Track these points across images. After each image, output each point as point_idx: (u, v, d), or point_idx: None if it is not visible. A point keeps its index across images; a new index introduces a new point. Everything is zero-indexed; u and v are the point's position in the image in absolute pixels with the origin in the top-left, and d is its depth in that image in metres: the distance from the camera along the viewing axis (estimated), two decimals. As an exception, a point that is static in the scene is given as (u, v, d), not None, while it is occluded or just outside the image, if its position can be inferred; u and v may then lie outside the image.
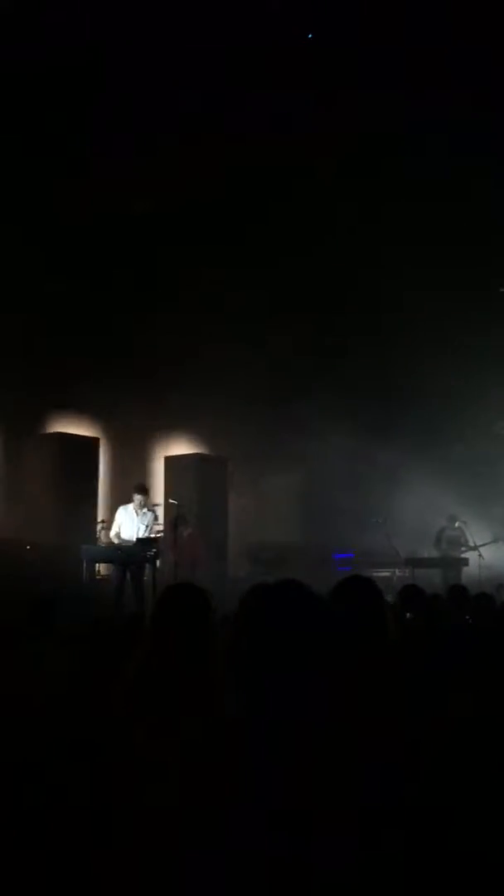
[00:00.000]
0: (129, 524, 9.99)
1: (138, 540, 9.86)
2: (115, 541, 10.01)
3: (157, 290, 13.36)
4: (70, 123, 11.06)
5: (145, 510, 10.10)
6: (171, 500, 12.09)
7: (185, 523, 11.12)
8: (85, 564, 9.86)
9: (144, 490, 10.26)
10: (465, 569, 12.38)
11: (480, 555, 12.63)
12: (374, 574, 12.70)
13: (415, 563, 12.78)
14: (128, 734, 2.04)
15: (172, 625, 2.46)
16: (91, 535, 11.47)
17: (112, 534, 10.15)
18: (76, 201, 11.30)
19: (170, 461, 14.38)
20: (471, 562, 12.53)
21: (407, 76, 10.95)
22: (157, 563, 9.97)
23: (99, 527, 11.69)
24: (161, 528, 11.40)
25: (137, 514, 10.01)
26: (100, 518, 12.04)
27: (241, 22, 10.39)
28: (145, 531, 9.96)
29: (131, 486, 10.56)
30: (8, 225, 11.13)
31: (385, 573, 12.85)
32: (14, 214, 11.11)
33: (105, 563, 10.85)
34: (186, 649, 2.35)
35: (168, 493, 13.14)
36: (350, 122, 11.57)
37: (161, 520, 11.81)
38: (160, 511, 12.11)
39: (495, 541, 13.25)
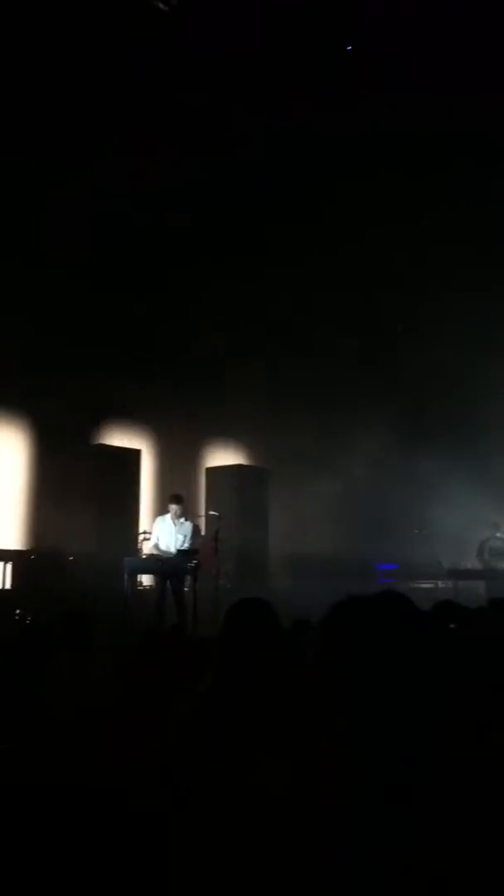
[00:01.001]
0: (166, 535, 9.98)
1: (178, 551, 9.85)
2: (154, 552, 10.01)
3: (199, 302, 13.39)
4: (104, 137, 11.15)
5: (182, 520, 10.08)
6: (211, 512, 12.08)
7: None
8: (126, 576, 9.88)
9: (180, 500, 10.22)
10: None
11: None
12: (417, 586, 12.60)
13: (457, 574, 12.60)
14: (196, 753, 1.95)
15: (241, 642, 2.36)
16: (133, 547, 11.49)
17: (150, 545, 10.15)
18: (118, 214, 11.37)
19: (211, 472, 14.39)
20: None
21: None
22: (199, 573, 9.94)
23: (140, 538, 11.70)
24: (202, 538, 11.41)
25: (175, 525, 10.00)
26: (141, 529, 12.07)
27: (269, 29, 10.41)
28: (184, 542, 9.94)
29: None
30: (51, 236, 11.24)
31: (428, 585, 12.70)
32: (56, 226, 11.20)
33: (146, 574, 10.86)
34: (257, 667, 2.25)
35: (209, 504, 13.13)
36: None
37: (203, 531, 11.82)
38: (201, 522, 12.11)
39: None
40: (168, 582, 9.69)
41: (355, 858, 1.46)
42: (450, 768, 1.56)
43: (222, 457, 14.93)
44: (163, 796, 1.80)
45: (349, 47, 11.43)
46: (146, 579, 11.36)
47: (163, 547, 9.93)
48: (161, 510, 11.12)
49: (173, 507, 10.04)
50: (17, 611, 8.31)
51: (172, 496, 10.31)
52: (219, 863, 1.59)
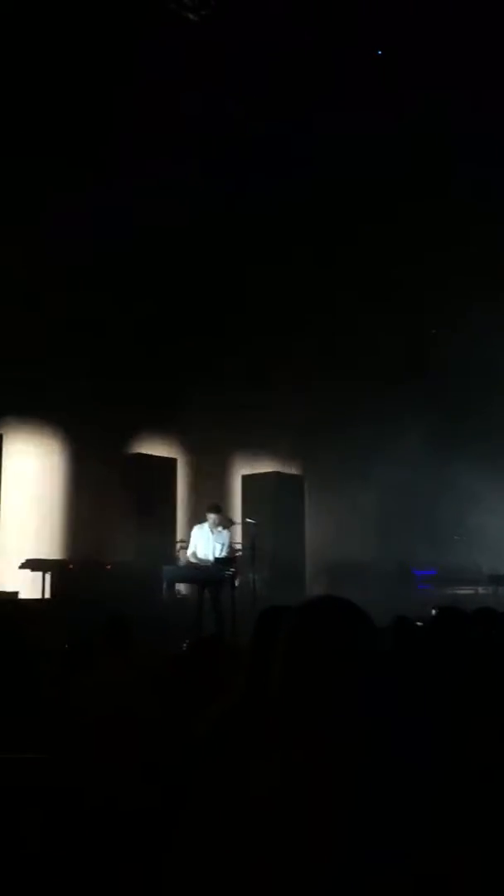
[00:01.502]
0: (204, 543, 10.02)
1: (216, 560, 9.87)
2: (192, 560, 10.05)
3: (235, 311, 13.44)
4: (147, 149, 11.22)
5: (220, 529, 10.11)
6: (248, 520, 12.09)
7: None
8: (165, 584, 9.91)
9: (218, 509, 10.27)
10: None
11: None
12: (456, 592, 12.50)
13: (498, 580, 12.48)
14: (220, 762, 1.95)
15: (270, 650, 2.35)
16: (170, 555, 11.54)
17: (188, 553, 10.19)
18: (156, 223, 11.43)
19: (247, 480, 14.41)
20: None
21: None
22: (236, 582, 9.96)
23: (178, 546, 11.75)
24: (239, 546, 11.42)
25: (213, 533, 10.03)
26: (179, 538, 12.11)
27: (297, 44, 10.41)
28: (221, 550, 9.97)
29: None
30: (88, 247, 11.35)
31: (467, 590, 12.59)
32: (99, 237, 11.30)
33: (184, 582, 10.90)
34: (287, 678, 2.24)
35: (246, 513, 13.14)
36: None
37: (240, 538, 11.84)
38: (237, 530, 12.13)
39: None
40: (206, 590, 9.72)
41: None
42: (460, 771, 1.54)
43: (258, 465, 14.94)
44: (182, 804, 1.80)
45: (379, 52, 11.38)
46: (184, 588, 11.39)
47: (201, 556, 9.97)
48: (197, 519, 11.15)
49: (211, 517, 10.08)
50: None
51: (211, 505, 10.34)
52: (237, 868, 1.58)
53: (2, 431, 11.27)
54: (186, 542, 10.70)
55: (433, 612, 2.67)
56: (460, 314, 13.87)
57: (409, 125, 11.40)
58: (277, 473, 14.53)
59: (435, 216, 12.80)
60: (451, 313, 14.18)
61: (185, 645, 6.31)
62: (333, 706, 1.55)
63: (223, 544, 10.02)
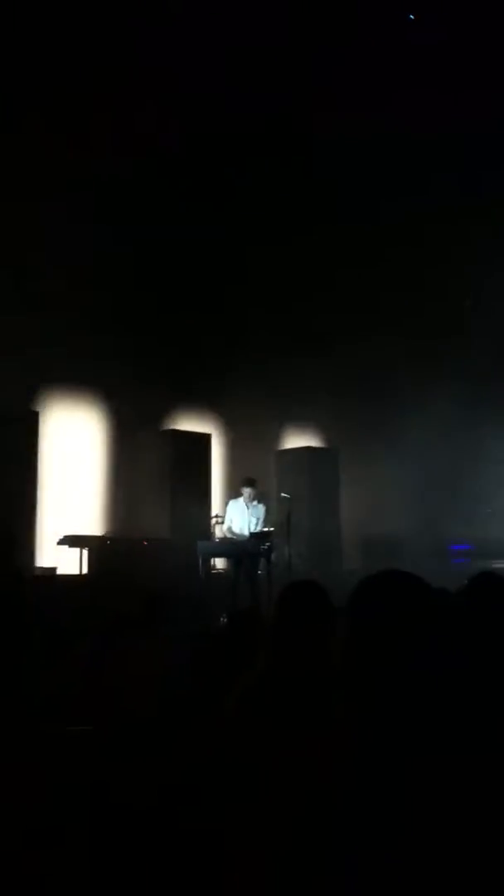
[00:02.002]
0: (239, 518, 10.05)
1: (251, 534, 9.89)
2: (228, 535, 10.08)
3: (270, 286, 13.37)
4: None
5: (255, 503, 10.12)
6: (282, 494, 12.08)
7: None
8: (200, 559, 9.95)
9: (252, 483, 10.27)
10: None
11: None
12: (493, 565, 12.41)
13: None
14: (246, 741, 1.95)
15: (293, 626, 2.36)
16: (205, 530, 11.58)
17: (224, 528, 10.22)
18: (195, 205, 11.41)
19: (281, 455, 14.39)
20: None
21: None
22: (272, 557, 9.97)
23: (213, 521, 11.78)
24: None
25: (248, 508, 10.05)
26: (213, 513, 12.15)
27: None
28: (257, 525, 9.99)
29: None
30: (130, 232, 11.35)
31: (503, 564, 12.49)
32: (138, 223, 11.30)
33: (220, 557, 10.94)
34: (309, 653, 2.24)
35: (280, 487, 13.14)
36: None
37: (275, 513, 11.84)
38: (272, 504, 12.13)
39: None
40: (242, 565, 9.75)
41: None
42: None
43: (292, 439, 14.91)
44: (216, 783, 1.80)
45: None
46: (219, 562, 11.43)
47: (236, 530, 10.01)
48: (232, 494, 11.17)
49: (247, 491, 10.10)
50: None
51: (246, 479, 10.36)
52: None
53: (38, 408, 11.35)
54: (221, 517, 10.73)
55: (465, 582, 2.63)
56: (485, 280, 13.71)
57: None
58: (312, 448, 14.50)
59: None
60: (478, 278, 14.01)
61: (223, 618, 6.33)
62: (403, 676, 1.55)
63: (259, 518, 10.04)
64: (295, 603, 2.47)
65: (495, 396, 14.36)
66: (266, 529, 10.12)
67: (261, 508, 10.15)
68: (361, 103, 11.34)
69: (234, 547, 9.88)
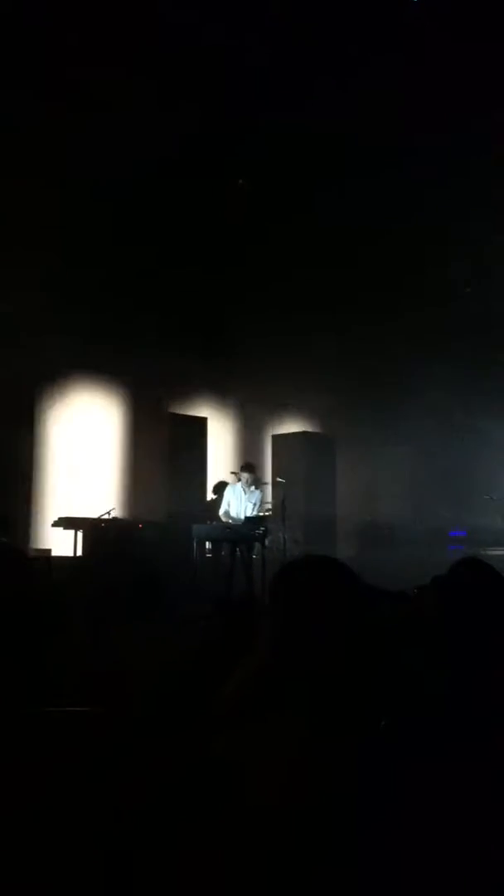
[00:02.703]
0: (236, 502, 10.09)
1: (247, 519, 9.92)
2: (224, 519, 10.11)
3: (267, 273, 13.32)
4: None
5: (252, 488, 10.16)
6: (278, 479, 12.11)
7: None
8: (195, 543, 9.98)
9: (251, 468, 10.31)
10: None
11: None
12: (488, 553, 12.47)
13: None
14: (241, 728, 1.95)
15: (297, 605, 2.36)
16: (200, 513, 11.61)
17: (221, 512, 10.25)
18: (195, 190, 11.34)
19: (277, 440, 14.41)
20: None
21: None
22: (267, 541, 10.01)
23: (212, 500, 11.81)
24: (269, 506, 11.46)
25: (245, 493, 10.08)
26: (209, 497, 12.17)
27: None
28: (253, 510, 10.03)
29: (239, 464, 10.66)
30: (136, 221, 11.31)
31: (499, 552, 12.54)
32: (142, 209, 11.26)
33: (215, 541, 10.97)
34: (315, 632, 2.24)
35: (276, 472, 13.16)
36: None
37: (269, 498, 11.86)
38: (268, 490, 12.15)
39: None
40: (237, 549, 9.78)
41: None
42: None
43: (288, 424, 14.92)
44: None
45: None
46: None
47: (233, 514, 10.05)
48: (228, 478, 11.21)
49: (245, 476, 10.13)
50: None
51: (245, 464, 10.41)
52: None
53: (35, 391, 11.36)
54: (217, 501, 10.77)
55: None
56: (484, 263, 13.68)
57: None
58: (307, 433, 14.52)
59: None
60: (476, 263, 13.98)
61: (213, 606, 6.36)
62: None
63: (255, 503, 10.08)
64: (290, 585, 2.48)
65: (493, 383, 14.37)
66: (262, 514, 10.17)
67: (257, 494, 10.19)
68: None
69: (229, 531, 9.91)
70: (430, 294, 14.69)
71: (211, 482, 12.84)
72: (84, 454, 12.23)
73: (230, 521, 10.02)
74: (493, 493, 13.28)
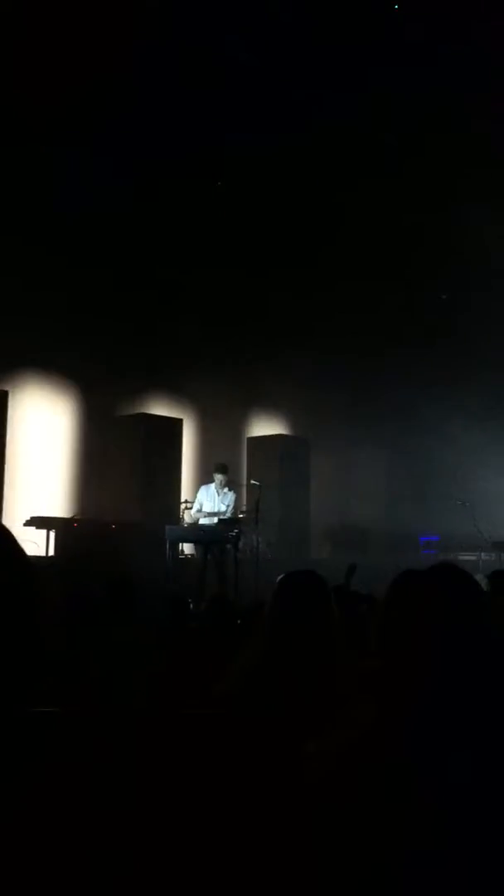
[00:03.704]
0: (209, 503, 10.09)
1: (220, 520, 9.92)
2: (196, 515, 10.14)
3: (241, 273, 13.33)
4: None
5: (226, 490, 10.17)
6: (252, 481, 12.12)
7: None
8: (168, 545, 9.97)
9: (225, 469, 10.31)
10: None
11: None
12: (459, 557, 12.55)
13: (501, 546, 12.54)
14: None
15: (294, 615, 2.36)
16: (174, 516, 11.60)
17: (193, 511, 10.26)
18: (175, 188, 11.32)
19: (252, 442, 14.42)
20: None
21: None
22: (240, 543, 10.02)
23: (182, 507, 11.80)
24: (245, 507, 11.47)
25: (218, 494, 10.08)
26: (183, 498, 12.16)
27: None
28: (227, 511, 10.03)
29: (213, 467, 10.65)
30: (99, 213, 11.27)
31: (470, 557, 12.64)
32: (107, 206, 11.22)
33: (188, 542, 10.96)
34: (311, 642, 2.25)
35: (251, 474, 13.17)
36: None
37: (244, 500, 11.88)
38: (242, 492, 12.17)
39: None
40: (209, 551, 9.78)
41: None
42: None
43: (264, 426, 14.94)
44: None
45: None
46: (188, 548, 11.46)
47: (206, 511, 10.06)
48: (203, 479, 11.20)
49: (219, 477, 10.14)
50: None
51: (219, 465, 10.40)
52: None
53: (8, 388, 11.26)
54: (191, 502, 10.77)
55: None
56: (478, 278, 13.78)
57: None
58: (283, 436, 14.54)
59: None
60: (453, 269, 14.08)
61: (191, 603, 6.36)
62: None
63: (228, 505, 10.09)
64: (294, 591, 2.49)
65: (468, 387, 14.46)
66: (236, 516, 10.18)
67: (231, 495, 10.20)
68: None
69: (203, 533, 9.91)
70: (408, 299, 14.79)
71: (185, 484, 12.83)
72: (57, 454, 12.17)
73: (203, 516, 10.05)
74: (463, 499, 13.33)
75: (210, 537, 9.78)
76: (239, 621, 4.25)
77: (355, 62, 10.85)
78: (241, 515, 10.67)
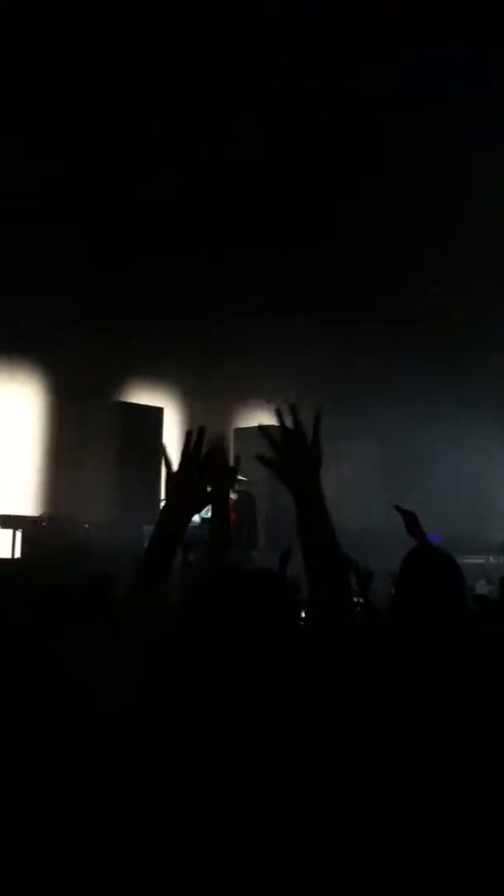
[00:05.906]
0: (194, 501, 10.03)
1: (203, 519, 9.85)
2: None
3: (229, 262, 13.31)
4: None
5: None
6: (239, 476, 12.05)
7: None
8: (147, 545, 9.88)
9: (211, 463, 10.25)
10: None
11: None
12: (465, 560, 12.54)
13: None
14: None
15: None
16: (154, 514, 11.50)
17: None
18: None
19: (240, 433, 14.35)
20: None
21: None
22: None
23: (162, 504, 11.72)
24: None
25: (203, 491, 10.03)
26: (163, 496, 12.08)
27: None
28: (209, 510, 9.96)
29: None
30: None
31: (478, 560, 12.65)
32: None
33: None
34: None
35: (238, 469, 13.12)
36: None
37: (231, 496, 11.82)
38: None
39: None
40: (191, 552, 9.71)
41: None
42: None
43: (252, 417, 14.89)
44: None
45: None
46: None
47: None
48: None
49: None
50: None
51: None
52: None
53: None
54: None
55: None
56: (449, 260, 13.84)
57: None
58: (274, 426, 14.48)
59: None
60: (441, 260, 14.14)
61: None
62: None
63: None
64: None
65: (462, 383, 14.51)
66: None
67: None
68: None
69: (185, 533, 9.84)
70: (399, 292, 14.82)
71: (166, 479, 12.73)
72: (26, 446, 12.08)
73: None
74: (469, 499, 13.35)
75: (190, 536, 9.69)
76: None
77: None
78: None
